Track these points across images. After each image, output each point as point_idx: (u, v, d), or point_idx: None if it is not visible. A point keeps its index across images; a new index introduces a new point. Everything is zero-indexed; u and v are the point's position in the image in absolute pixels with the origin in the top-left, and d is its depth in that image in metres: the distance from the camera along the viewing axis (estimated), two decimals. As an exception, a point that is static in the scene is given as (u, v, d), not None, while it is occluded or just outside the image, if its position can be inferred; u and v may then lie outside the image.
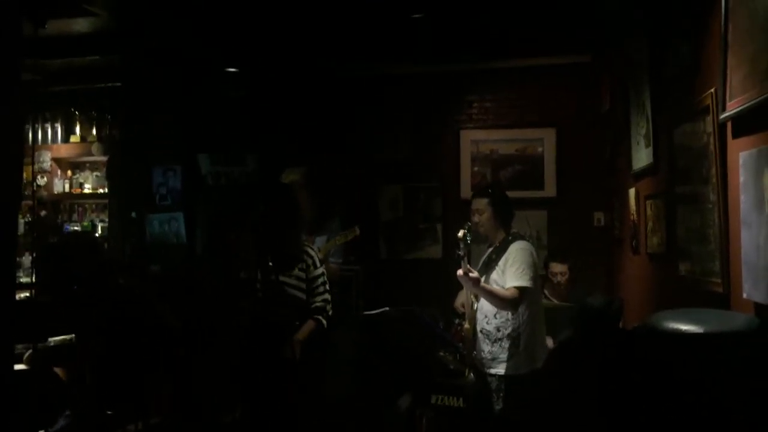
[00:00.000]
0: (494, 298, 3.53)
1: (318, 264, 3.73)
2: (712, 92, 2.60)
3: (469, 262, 3.55)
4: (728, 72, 2.45)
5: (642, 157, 3.99)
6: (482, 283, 3.54)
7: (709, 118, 2.66)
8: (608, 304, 2.55)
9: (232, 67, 5.84)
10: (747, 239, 2.22)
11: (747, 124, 2.29)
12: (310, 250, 3.75)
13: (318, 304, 3.68)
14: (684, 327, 2.00)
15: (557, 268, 4.73)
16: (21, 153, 4.68)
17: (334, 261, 4.32)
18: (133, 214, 6.24)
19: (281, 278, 3.64)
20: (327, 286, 3.73)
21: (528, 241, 3.78)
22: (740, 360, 1.94)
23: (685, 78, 3.08)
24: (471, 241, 3.62)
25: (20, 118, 4.26)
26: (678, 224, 3.20)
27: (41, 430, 4.33)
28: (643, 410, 1.40)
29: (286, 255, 3.69)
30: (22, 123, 4.88)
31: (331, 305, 3.73)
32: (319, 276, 3.71)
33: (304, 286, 3.67)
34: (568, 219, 5.68)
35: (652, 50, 3.75)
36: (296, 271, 3.66)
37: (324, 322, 3.68)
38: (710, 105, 2.62)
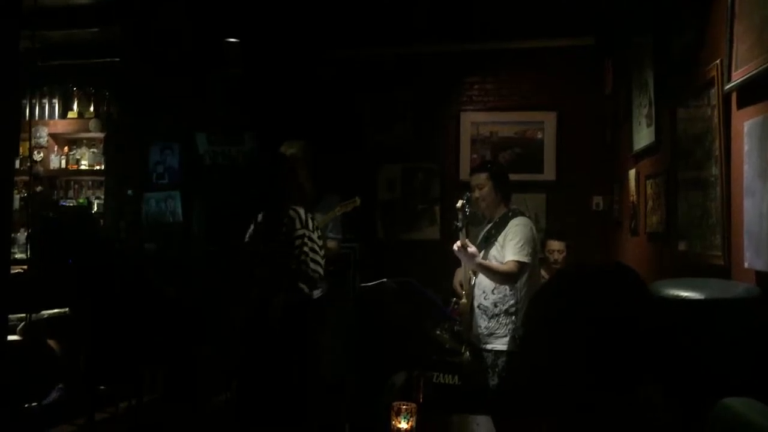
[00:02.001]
0: (492, 273, 3.51)
1: (299, 225, 3.50)
2: (717, 63, 2.58)
3: (467, 235, 3.53)
4: (734, 42, 2.42)
5: (643, 136, 3.97)
6: (479, 259, 3.52)
7: (714, 91, 2.63)
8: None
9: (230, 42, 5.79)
10: (750, 208, 2.20)
11: (752, 93, 2.27)
12: (291, 212, 3.53)
13: (301, 269, 3.47)
14: (684, 293, 1.98)
15: (555, 245, 4.72)
16: (18, 128, 4.66)
17: (334, 236, 4.26)
18: (130, 192, 6.20)
19: (269, 245, 3.54)
20: (308, 248, 3.50)
21: (527, 217, 3.74)
22: (740, 326, 1.93)
23: (689, 53, 3.05)
24: (470, 213, 3.60)
25: (18, 92, 4.23)
26: (679, 201, 3.18)
27: (33, 402, 4.31)
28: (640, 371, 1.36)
29: (271, 220, 3.58)
30: (20, 97, 4.85)
31: (317, 268, 3.53)
32: (297, 237, 3.47)
33: (286, 250, 3.49)
34: (566, 203, 5.66)
35: (656, 28, 3.72)
36: (280, 236, 3.51)
37: (304, 287, 3.50)
38: (715, 76, 2.60)
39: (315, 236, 3.56)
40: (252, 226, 3.74)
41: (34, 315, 4.46)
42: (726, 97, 2.51)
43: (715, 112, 2.61)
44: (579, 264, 1.70)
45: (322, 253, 3.59)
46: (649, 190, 3.82)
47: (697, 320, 1.96)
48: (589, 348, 1.31)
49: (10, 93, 3.72)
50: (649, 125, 3.83)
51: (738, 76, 2.35)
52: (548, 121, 5.76)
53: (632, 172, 4.28)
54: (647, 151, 3.88)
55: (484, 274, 3.56)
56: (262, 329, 3.55)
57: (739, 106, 2.41)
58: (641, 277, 1.41)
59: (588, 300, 1.35)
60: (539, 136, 5.78)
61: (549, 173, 5.75)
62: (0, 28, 3.53)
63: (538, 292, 1.57)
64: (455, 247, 3.54)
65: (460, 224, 3.57)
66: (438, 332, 4.21)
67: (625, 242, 4.56)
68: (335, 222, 4.26)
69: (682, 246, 3.08)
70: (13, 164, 4.49)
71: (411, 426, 2.31)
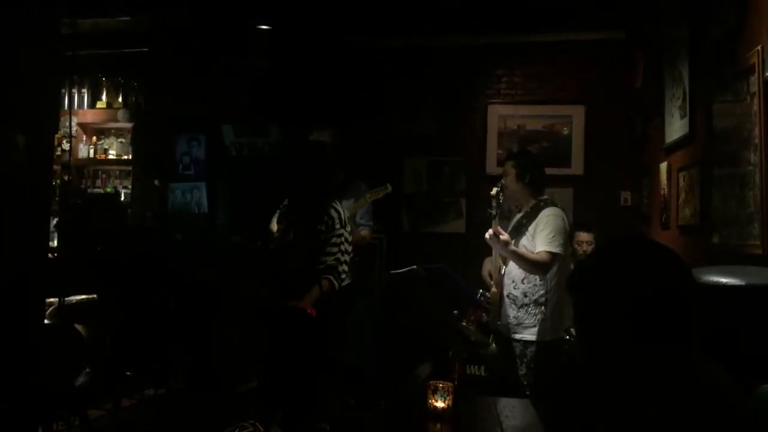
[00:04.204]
0: (523, 261, 3.47)
1: (339, 225, 3.45)
2: (758, 50, 2.54)
3: (499, 223, 3.51)
4: (777, 27, 2.38)
5: (676, 129, 3.92)
6: (512, 246, 3.49)
7: (754, 78, 2.59)
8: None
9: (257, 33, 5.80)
10: (792, 195, 2.16)
11: (796, 78, 2.23)
12: (332, 211, 3.48)
13: (329, 263, 3.41)
14: (724, 280, 1.96)
15: (583, 237, 4.67)
16: (56, 119, 4.70)
17: (365, 223, 4.23)
18: (156, 182, 6.25)
19: (298, 236, 3.48)
20: (344, 247, 3.47)
21: (559, 207, 3.69)
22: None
23: (727, 41, 3.01)
24: (503, 201, 3.58)
25: (56, 85, 4.26)
26: (714, 192, 3.13)
27: (62, 385, 4.34)
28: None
29: (305, 210, 3.55)
30: (58, 89, 4.86)
31: (345, 266, 3.47)
32: (336, 236, 3.43)
33: (321, 245, 3.43)
34: (594, 197, 5.59)
35: (690, 18, 3.67)
36: (317, 231, 3.43)
37: (335, 282, 3.42)
38: (755, 63, 2.56)
39: (347, 233, 3.52)
40: (278, 213, 3.69)
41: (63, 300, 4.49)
42: (767, 83, 2.47)
43: (755, 100, 2.57)
44: (621, 237, 1.70)
45: (351, 248, 3.57)
46: (681, 183, 3.77)
47: (737, 306, 1.93)
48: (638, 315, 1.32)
49: (49, 81, 3.76)
50: (682, 117, 3.78)
51: (780, 62, 2.32)
52: (576, 114, 5.71)
53: (663, 165, 4.23)
54: (680, 143, 3.83)
55: (516, 262, 3.52)
56: (289, 319, 3.51)
57: (781, 93, 2.37)
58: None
59: (636, 269, 1.35)
60: (567, 130, 5.73)
61: (576, 167, 5.69)
62: (40, 14, 3.57)
63: (582, 264, 1.55)
64: (487, 234, 3.52)
65: (493, 212, 3.53)
66: (464, 324, 4.18)
67: (656, 237, 4.50)
68: (366, 210, 4.23)
69: (717, 237, 3.04)
70: (53, 153, 4.53)
71: (448, 404, 2.30)
